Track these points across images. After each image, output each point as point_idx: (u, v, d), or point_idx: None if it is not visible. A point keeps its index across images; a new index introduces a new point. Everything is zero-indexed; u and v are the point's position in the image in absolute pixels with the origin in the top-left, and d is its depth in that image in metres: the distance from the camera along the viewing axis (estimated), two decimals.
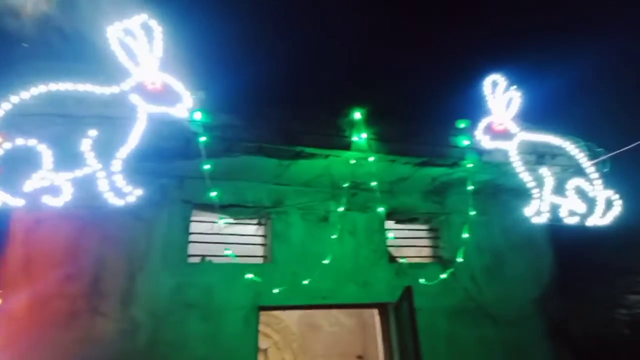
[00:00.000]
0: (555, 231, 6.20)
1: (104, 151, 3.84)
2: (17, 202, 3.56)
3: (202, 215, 5.25)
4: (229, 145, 4.47)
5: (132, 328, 4.52)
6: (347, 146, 4.85)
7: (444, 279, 5.41)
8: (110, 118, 3.99)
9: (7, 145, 3.58)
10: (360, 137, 4.84)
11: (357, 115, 4.89)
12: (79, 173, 3.72)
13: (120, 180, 3.85)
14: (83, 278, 4.50)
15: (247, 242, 5.37)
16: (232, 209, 5.23)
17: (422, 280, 5.31)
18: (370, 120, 4.92)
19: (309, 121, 4.86)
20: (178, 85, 4.09)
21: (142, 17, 3.97)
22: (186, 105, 4.10)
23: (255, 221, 5.57)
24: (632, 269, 5.48)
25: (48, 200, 3.62)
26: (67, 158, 3.73)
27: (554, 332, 5.82)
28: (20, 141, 3.62)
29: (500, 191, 6.09)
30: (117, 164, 3.85)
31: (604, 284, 5.62)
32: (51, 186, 3.63)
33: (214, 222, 5.24)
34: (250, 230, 5.66)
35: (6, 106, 3.64)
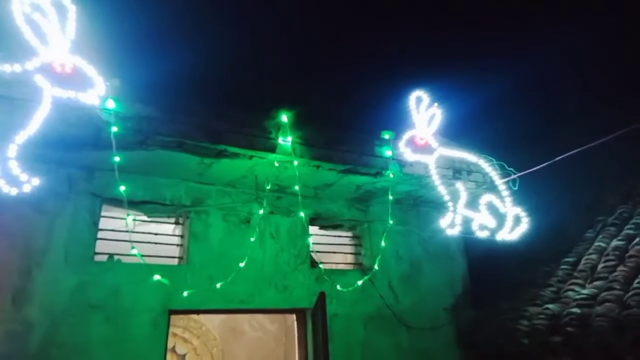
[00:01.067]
0: (469, 243, 6.51)
1: (0, 134, 3.50)
2: None
3: (113, 211, 4.95)
4: (144, 138, 4.25)
5: (24, 329, 4.15)
6: (272, 148, 4.79)
7: (362, 286, 5.48)
8: (10, 98, 3.67)
9: None
10: (286, 141, 4.80)
11: (284, 118, 4.86)
12: None
13: (15, 167, 3.52)
14: None
15: (162, 242, 5.12)
16: (147, 205, 4.98)
17: (339, 287, 5.34)
18: (296, 124, 4.91)
19: (234, 120, 4.75)
20: (90, 70, 3.82)
21: None
22: (98, 92, 3.84)
23: (172, 220, 5.34)
24: (535, 282, 5.85)
25: None
26: None
27: (463, 340, 6.07)
28: None
29: (419, 202, 6.30)
30: (13, 149, 3.52)
31: (510, 295, 5.94)
32: None
33: (124, 219, 4.95)
34: (167, 229, 5.41)
35: None
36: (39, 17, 3.67)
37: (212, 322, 8.18)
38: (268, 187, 5.25)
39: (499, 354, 5.52)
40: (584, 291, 5.10)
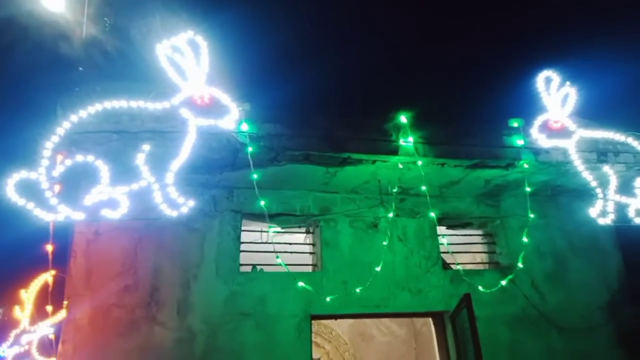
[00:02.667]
0: (623, 233, 5.81)
1: (157, 164, 3.97)
2: (78, 216, 3.74)
3: (251, 225, 5.31)
4: (275, 155, 4.50)
5: (189, 336, 4.61)
6: (394, 151, 4.76)
7: (502, 286, 5.16)
8: (163, 132, 4.13)
9: (68, 162, 3.77)
10: (408, 141, 4.74)
11: (403, 119, 4.80)
12: (134, 186, 3.86)
13: (173, 192, 3.97)
14: (141, 288, 4.65)
15: (296, 251, 5.37)
16: (280, 217, 5.25)
17: (480, 288, 5.09)
18: (417, 124, 4.82)
19: (355, 127, 4.82)
20: (225, 98, 4.18)
21: (188, 33, 4.11)
22: (233, 117, 4.18)
23: (303, 229, 5.57)
24: None
25: (106, 213, 3.77)
26: (123, 172, 3.88)
27: (626, 341, 5.41)
28: (79, 158, 3.81)
29: (559, 192, 5.76)
30: (170, 177, 3.97)
31: None
32: (109, 200, 3.78)
33: (263, 232, 5.28)
34: (299, 238, 5.66)
35: (66, 125, 3.84)
36: (178, 56, 4.10)
37: (340, 327, 8.32)
38: (394, 190, 5.21)
39: None
40: None
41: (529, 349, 5.21)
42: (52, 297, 4.83)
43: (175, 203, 3.96)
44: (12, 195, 3.55)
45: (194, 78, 4.14)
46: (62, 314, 4.56)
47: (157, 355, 4.46)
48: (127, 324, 4.51)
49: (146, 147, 3.97)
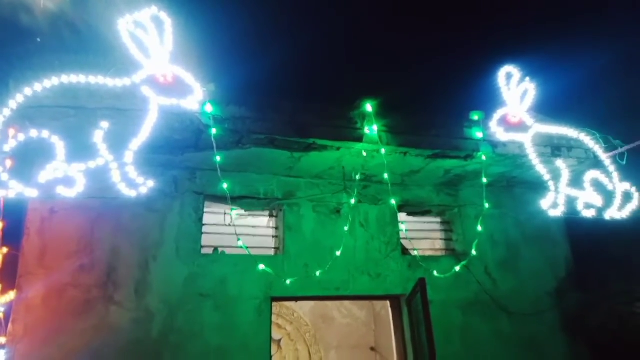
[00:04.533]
0: (572, 224, 6.11)
1: (116, 143, 3.88)
2: (31, 193, 3.62)
3: (214, 207, 5.29)
4: (240, 138, 4.48)
5: (147, 317, 4.59)
6: (358, 138, 4.82)
7: (457, 272, 5.36)
8: (122, 110, 4.03)
9: (21, 137, 3.63)
10: (372, 130, 4.80)
11: (369, 107, 4.84)
12: (91, 164, 3.76)
13: (132, 172, 3.89)
14: (97, 268, 4.58)
15: (259, 234, 5.39)
16: (243, 200, 5.25)
17: (435, 273, 5.27)
18: (381, 112, 4.88)
19: (321, 113, 4.83)
20: (189, 78, 4.10)
21: (152, 9, 3.98)
22: (197, 98, 4.11)
23: (267, 213, 5.59)
24: None
25: (62, 191, 3.67)
26: (80, 149, 3.77)
27: (570, 326, 5.73)
28: (33, 133, 3.67)
29: (514, 184, 6.00)
30: (129, 156, 3.88)
31: (622, 277, 5.50)
32: (65, 177, 3.68)
33: (226, 214, 5.26)
34: (262, 222, 5.68)
35: (20, 99, 3.69)
36: (141, 33, 3.98)
37: (302, 309, 8.46)
38: (358, 177, 5.29)
39: (613, 342, 5.15)
40: None
41: (480, 332, 5.46)
42: (2, 275, 4.67)
43: (134, 183, 3.89)
44: None
45: (157, 56, 4.03)
46: (13, 293, 4.43)
47: (113, 335, 4.42)
48: (82, 303, 4.44)
49: (105, 124, 3.86)
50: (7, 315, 4.26)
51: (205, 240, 5.10)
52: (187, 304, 4.72)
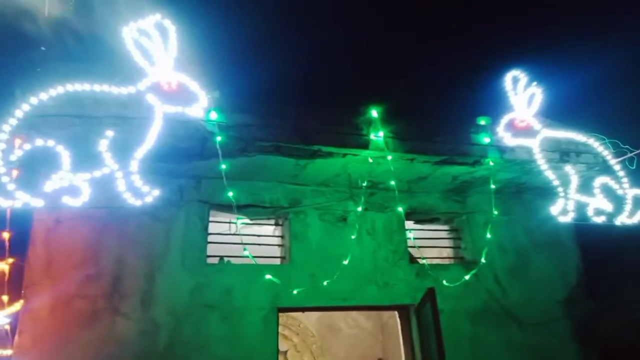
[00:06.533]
0: (582, 231, 6.02)
1: (121, 151, 3.86)
2: (37, 203, 3.60)
3: (219, 216, 5.25)
4: (245, 145, 4.44)
5: (153, 328, 4.52)
6: (364, 145, 4.78)
7: (466, 281, 5.27)
8: (127, 118, 4.01)
9: (27, 147, 3.62)
10: (378, 136, 4.76)
11: (374, 113, 4.82)
12: (97, 173, 3.74)
13: (137, 181, 3.87)
14: (103, 278, 4.53)
15: (264, 243, 5.33)
16: (249, 209, 5.20)
17: (445, 282, 5.18)
18: (387, 118, 4.85)
19: (326, 120, 4.80)
20: (193, 85, 4.09)
21: (156, 17, 3.99)
22: (202, 105, 4.10)
23: (272, 221, 5.54)
24: None
25: (67, 201, 3.65)
26: (85, 158, 3.75)
27: (581, 335, 5.62)
28: (39, 142, 3.66)
29: (523, 190, 5.92)
30: (134, 164, 3.86)
31: (634, 285, 5.40)
32: (70, 186, 3.65)
33: (231, 223, 5.22)
34: (268, 230, 5.62)
35: (25, 108, 3.68)
36: (145, 40, 3.98)
37: (308, 319, 8.35)
38: (364, 184, 5.24)
39: (626, 350, 5.04)
40: None
41: (490, 342, 5.36)
42: (8, 286, 4.65)
43: (140, 192, 3.86)
44: None
45: (161, 63, 4.03)
46: (19, 304, 4.39)
47: (119, 348, 4.36)
48: (88, 314, 4.39)
49: (110, 133, 3.85)
50: (13, 326, 4.22)
51: (210, 249, 5.04)
52: (193, 315, 4.65)
